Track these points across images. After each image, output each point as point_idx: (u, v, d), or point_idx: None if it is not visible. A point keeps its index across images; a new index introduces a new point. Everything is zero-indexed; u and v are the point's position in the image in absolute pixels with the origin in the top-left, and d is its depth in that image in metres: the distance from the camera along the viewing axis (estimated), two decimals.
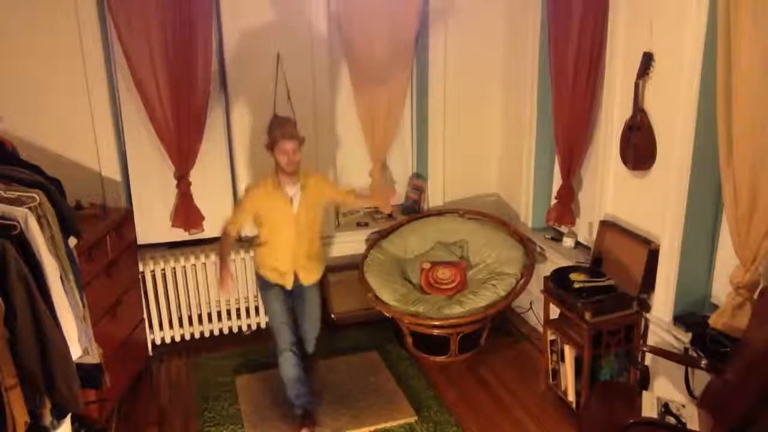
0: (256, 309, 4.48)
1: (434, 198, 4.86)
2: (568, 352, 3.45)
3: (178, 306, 4.34)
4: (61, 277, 2.48)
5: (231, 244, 3.60)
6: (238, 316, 4.48)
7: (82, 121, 3.94)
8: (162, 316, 4.27)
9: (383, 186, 3.82)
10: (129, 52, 3.85)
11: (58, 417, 2.43)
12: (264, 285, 3.54)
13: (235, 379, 3.94)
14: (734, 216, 2.72)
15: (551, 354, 3.66)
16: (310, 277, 3.54)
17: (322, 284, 3.81)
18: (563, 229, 4.30)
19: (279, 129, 3.28)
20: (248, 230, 4.30)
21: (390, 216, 4.77)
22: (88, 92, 3.91)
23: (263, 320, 4.50)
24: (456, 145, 4.78)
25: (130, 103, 4.09)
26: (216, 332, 4.44)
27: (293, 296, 3.57)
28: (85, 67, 3.87)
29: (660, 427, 2.55)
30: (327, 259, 4.23)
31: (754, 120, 2.57)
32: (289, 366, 3.42)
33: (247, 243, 4.42)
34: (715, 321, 2.85)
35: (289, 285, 3.49)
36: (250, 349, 4.29)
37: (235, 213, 3.60)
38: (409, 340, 4.18)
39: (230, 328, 4.47)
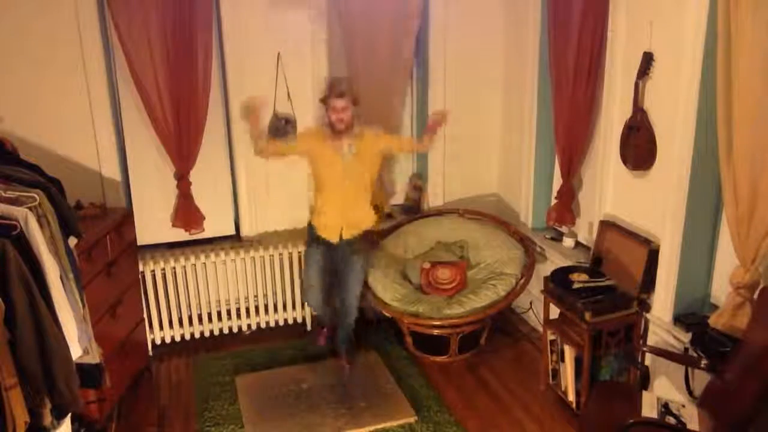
0: (256, 309, 4.48)
1: (434, 198, 4.86)
2: (568, 352, 3.45)
3: (178, 306, 4.34)
4: (61, 277, 2.49)
5: (262, 141, 3.81)
6: (238, 316, 4.48)
7: (82, 121, 3.94)
8: (162, 316, 4.27)
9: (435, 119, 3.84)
10: (129, 52, 3.85)
11: (58, 417, 2.43)
12: (310, 239, 3.77)
13: (235, 379, 3.94)
14: (734, 216, 2.72)
15: (551, 354, 3.66)
16: (348, 230, 3.66)
17: None
18: (563, 229, 4.29)
19: (331, 87, 3.42)
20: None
21: (390, 216, 4.76)
22: (88, 92, 3.91)
23: (263, 320, 4.50)
24: (456, 145, 4.78)
25: (130, 103, 4.09)
26: (216, 332, 4.44)
27: (337, 260, 3.75)
28: (85, 67, 3.86)
29: (660, 427, 2.55)
30: None
31: (754, 120, 2.57)
32: (311, 297, 3.95)
33: (248, 243, 4.43)
34: (715, 321, 2.85)
35: (333, 238, 3.65)
36: (250, 349, 4.29)
37: (289, 140, 3.84)
38: (409, 340, 4.18)
39: (230, 328, 4.47)
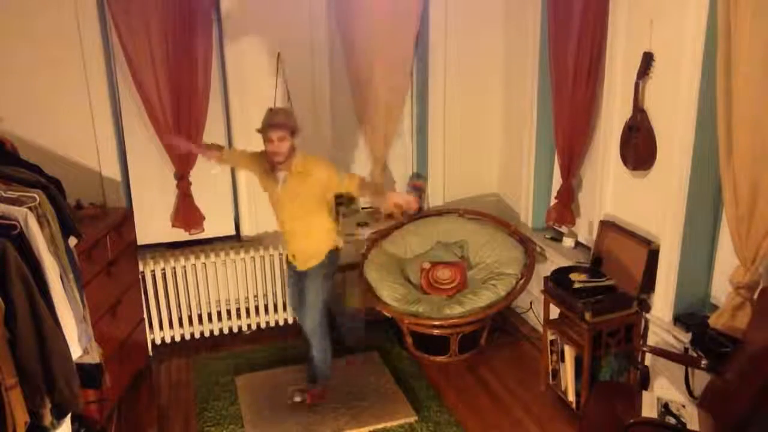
0: (256, 309, 4.48)
1: (434, 198, 4.86)
2: (568, 352, 3.45)
3: (178, 306, 4.34)
4: (61, 277, 2.49)
5: (215, 151, 3.73)
6: (238, 316, 4.48)
7: (82, 121, 3.94)
8: (162, 316, 4.27)
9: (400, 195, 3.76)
10: (129, 52, 3.85)
11: (58, 417, 2.43)
12: (287, 262, 3.72)
13: (235, 379, 3.94)
14: (734, 216, 2.72)
15: (551, 354, 3.66)
16: (304, 262, 3.55)
17: None
18: (563, 229, 4.29)
19: (267, 118, 3.29)
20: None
21: (390, 216, 4.76)
22: (88, 92, 3.91)
23: (263, 320, 4.50)
24: (456, 145, 4.78)
25: (130, 103, 4.09)
26: (216, 332, 4.44)
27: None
28: (85, 67, 3.87)
29: (660, 427, 2.55)
30: None
31: (754, 120, 2.57)
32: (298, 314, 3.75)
33: (248, 243, 4.43)
34: (715, 321, 2.85)
35: (296, 264, 3.59)
36: (250, 349, 4.29)
37: (237, 150, 3.85)
38: (409, 340, 4.18)
39: (230, 328, 4.47)
